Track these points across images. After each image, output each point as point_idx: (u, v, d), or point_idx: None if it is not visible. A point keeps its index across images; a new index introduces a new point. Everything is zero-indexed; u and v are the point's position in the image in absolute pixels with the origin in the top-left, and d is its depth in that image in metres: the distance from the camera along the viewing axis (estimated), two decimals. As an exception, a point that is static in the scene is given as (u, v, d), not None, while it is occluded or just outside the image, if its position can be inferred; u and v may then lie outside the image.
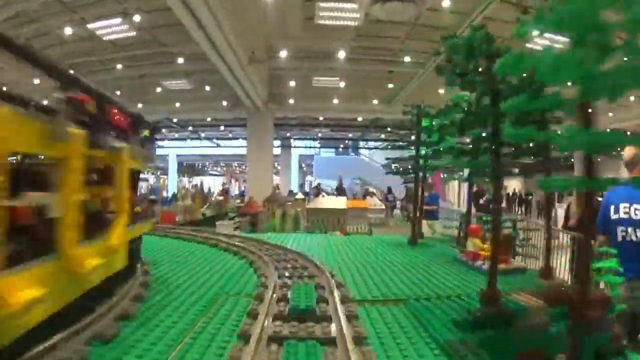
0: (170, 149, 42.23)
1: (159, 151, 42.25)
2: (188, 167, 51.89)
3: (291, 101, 22.90)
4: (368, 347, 1.97)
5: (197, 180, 47.30)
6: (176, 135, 36.42)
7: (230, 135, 34.34)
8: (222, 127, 30.89)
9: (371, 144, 40.09)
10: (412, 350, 2.09)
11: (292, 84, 20.46)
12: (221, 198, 19.42)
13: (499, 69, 1.78)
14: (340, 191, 23.20)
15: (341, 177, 27.67)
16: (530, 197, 31.53)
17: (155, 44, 15.72)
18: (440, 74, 2.92)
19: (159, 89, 21.52)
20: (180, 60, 16.63)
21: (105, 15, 13.26)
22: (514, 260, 4.83)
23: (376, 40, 15.36)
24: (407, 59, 16.09)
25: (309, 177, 45.80)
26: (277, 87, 21.18)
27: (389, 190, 22.55)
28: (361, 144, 40.26)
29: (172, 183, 40.77)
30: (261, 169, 22.84)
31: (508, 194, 31.74)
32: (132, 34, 14.37)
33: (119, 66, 17.61)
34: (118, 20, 13.39)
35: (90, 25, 13.82)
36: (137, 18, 12.71)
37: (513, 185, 33.23)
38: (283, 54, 15.83)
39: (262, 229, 9.97)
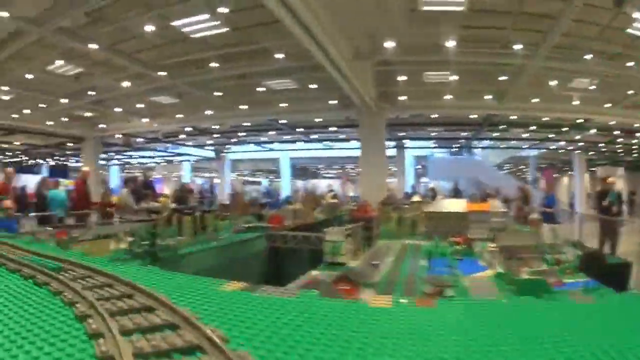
0: (282, 152, 42.90)
1: (269, 154, 43.41)
2: (301, 170, 52.93)
3: (402, 99, 22.45)
4: None
5: (310, 183, 48.15)
6: (287, 138, 36.82)
7: (342, 136, 34.11)
8: (333, 128, 30.63)
9: (484, 142, 38.86)
10: None
11: (402, 80, 19.89)
12: (334, 201, 19.63)
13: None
14: (456, 193, 22.67)
15: (457, 178, 26.94)
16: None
17: (249, 41, 15.62)
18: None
19: (261, 89, 21.45)
20: (279, 56, 16.36)
21: (191, 11, 13.19)
22: None
23: (483, 31, 14.63)
24: (516, 47, 15.08)
25: (423, 179, 44.83)
26: (386, 84, 20.72)
27: (498, 191, 21.62)
28: (473, 143, 38.94)
29: (285, 186, 41.43)
30: (374, 170, 22.65)
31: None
32: (223, 30, 14.24)
33: (213, 65, 17.56)
34: (205, 16, 13.32)
35: (175, 23, 13.82)
36: (224, 10, 12.52)
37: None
38: (389, 48, 15.35)
39: (377, 235, 9.75)
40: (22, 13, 12.76)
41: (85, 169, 17.01)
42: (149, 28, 13.81)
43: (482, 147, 40.65)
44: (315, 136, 35.64)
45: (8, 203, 10.62)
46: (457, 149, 40.28)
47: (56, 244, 7.58)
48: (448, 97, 21.80)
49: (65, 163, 47.22)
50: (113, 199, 16.16)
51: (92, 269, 3.42)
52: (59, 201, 15.75)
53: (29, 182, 21.98)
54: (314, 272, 6.21)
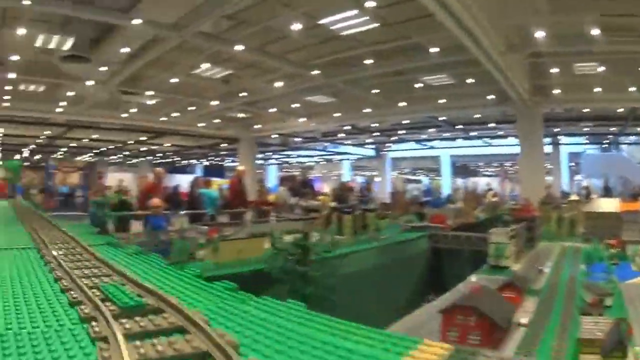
0: (442, 150, 42.08)
1: (429, 152, 42.96)
2: (461, 168, 51.60)
3: (556, 92, 20.88)
4: None
5: (470, 181, 46.73)
6: (446, 135, 35.99)
7: (500, 133, 32.72)
8: (491, 125, 29.45)
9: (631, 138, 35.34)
10: None
11: (554, 73, 18.50)
12: (495, 200, 18.73)
13: None
14: (607, 191, 20.86)
15: (607, 176, 24.81)
16: None
17: (401, 36, 15.19)
18: None
19: (418, 85, 20.95)
20: (434, 50, 15.86)
21: (337, 8, 12.97)
22: None
23: (624, 19, 13.06)
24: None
25: (576, 177, 42.22)
26: (538, 77, 19.45)
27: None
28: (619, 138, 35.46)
29: (446, 185, 40.63)
30: (533, 168, 21.44)
31: None
32: (373, 26, 13.88)
33: (368, 62, 17.34)
34: (353, 12, 13.02)
35: (322, 21, 13.69)
36: (371, 4, 12.15)
37: None
38: (539, 39, 14.32)
39: (539, 236, 9.11)
40: (158, 19, 13.50)
41: (241, 168, 17.60)
42: (296, 27, 13.90)
43: (629, 143, 37.37)
44: (475, 133, 34.56)
45: (156, 201, 11.15)
46: (606, 145, 37.19)
47: (206, 241, 8.08)
48: (597, 89, 20.07)
49: (220, 163, 49.64)
50: (270, 197, 16.38)
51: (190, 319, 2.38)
52: (211, 200, 16.32)
53: (183, 181, 23.46)
54: (475, 277, 6.08)
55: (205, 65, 18.00)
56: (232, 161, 45.26)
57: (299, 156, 48.54)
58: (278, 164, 52.57)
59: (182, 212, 14.01)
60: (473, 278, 5.99)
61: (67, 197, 37.80)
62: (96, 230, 8.97)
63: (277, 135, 33.14)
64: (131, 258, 5.46)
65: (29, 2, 11.79)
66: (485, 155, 44.80)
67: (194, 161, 50.71)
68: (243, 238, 8.88)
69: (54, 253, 4.59)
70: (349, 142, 39.69)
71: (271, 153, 44.92)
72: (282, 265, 5.83)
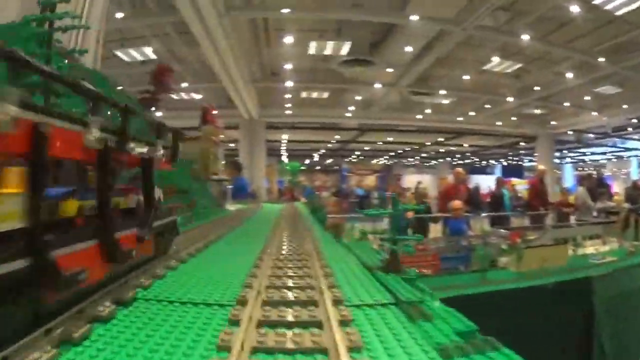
0: None
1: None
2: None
3: None
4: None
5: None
6: None
7: None
8: None
9: None
10: None
11: None
12: None
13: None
14: None
15: None
16: None
17: None
18: None
19: None
20: None
21: None
22: None
23: None
24: None
25: None
26: None
27: None
28: None
29: None
30: None
31: None
32: None
33: None
34: None
35: (595, 1, 12.28)
36: None
37: None
38: None
39: None
40: (436, 14, 13.17)
41: (542, 167, 16.28)
42: (572, 12, 12.91)
43: None
44: None
45: (457, 203, 10.59)
46: None
47: (508, 247, 7.27)
48: None
49: (519, 162, 47.92)
50: (570, 198, 15.29)
51: None
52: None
53: (481, 182, 22.46)
54: None
55: (495, 59, 17.27)
56: (530, 160, 43.78)
57: (592, 154, 44.85)
58: (573, 162, 49.35)
59: (484, 215, 13.48)
60: None
61: (362, 200, 39.75)
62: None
63: (571, 132, 31.00)
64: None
65: (288, 10, 12.28)
66: None
67: (492, 162, 49.86)
68: (548, 245, 7.95)
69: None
70: (637, 136, 34.77)
71: (566, 151, 42.14)
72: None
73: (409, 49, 15.82)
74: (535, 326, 5.77)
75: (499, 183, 15.51)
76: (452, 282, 6.01)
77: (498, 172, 44.02)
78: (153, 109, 4.75)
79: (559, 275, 6.37)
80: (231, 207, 8.40)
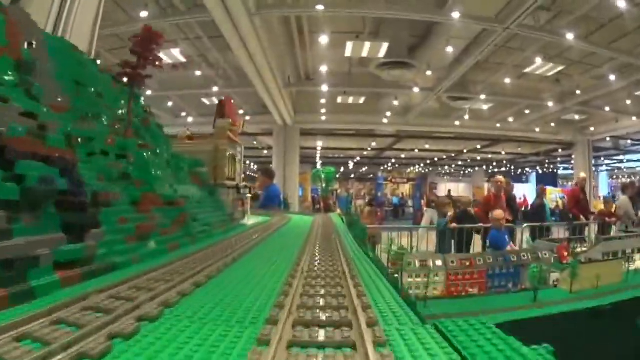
0: None
1: None
2: None
3: None
4: None
5: None
6: None
7: None
8: None
9: None
10: None
11: None
12: None
13: None
14: None
15: None
16: None
17: None
18: None
19: None
20: None
21: None
22: None
23: None
24: None
25: None
26: None
27: None
28: None
29: None
30: None
31: None
32: None
33: None
34: None
35: None
36: None
37: None
38: None
39: None
40: (478, 13, 12.75)
41: (582, 175, 15.36)
42: (618, 9, 12.23)
43: None
44: None
45: (499, 213, 10.00)
46: None
47: (556, 260, 6.77)
48: None
49: (554, 170, 47.10)
50: (612, 207, 14.55)
51: None
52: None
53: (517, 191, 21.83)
54: None
55: (537, 61, 16.55)
56: (564, 169, 43.68)
57: (628, 161, 43.47)
58: (608, 170, 49.15)
59: (525, 225, 12.76)
60: None
61: (397, 208, 39.20)
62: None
63: (609, 138, 30.35)
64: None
65: (321, 7, 11.67)
66: None
67: (527, 169, 49.15)
68: (602, 260, 7.07)
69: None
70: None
71: (603, 158, 41.42)
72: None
73: (449, 49, 15.05)
74: (593, 354, 4.94)
75: (541, 192, 14.68)
76: (502, 304, 5.30)
77: (532, 180, 43.35)
78: (137, 88, 3.63)
79: (617, 294, 5.71)
80: (251, 219, 6.58)
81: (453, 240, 11.50)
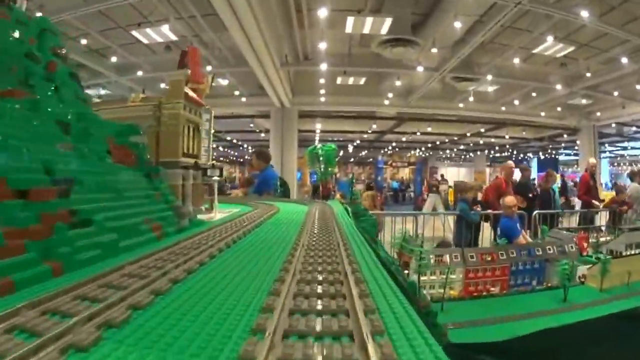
0: None
1: None
2: None
3: None
4: None
5: None
6: None
7: None
8: None
9: None
10: None
11: None
12: None
13: None
14: None
15: None
16: None
17: None
18: None
19: None
20: None
21: None
22: None
23: None
24: None
25: None
26: None
27: None
28: None
29: None
30: None
31: None
32: None
33: None
34: None
35: None
36: None
37: None
38: None
39: None
40: None
41: (592, 160, 14.79)
42: None
43: None
44: None
45: (510, 200, 9.50)
46: None
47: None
48: None
49: (555, 157, 46.84)
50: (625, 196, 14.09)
51: None
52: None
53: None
54: None
55: (549, 39, 15.66)
56: (565, 155, 43.88)
57: (632, 148, 43.30)
58: (611, 157, 49.07)
59: (535, 212, 11.89)
60: None
61: (397, 193, 38.74)
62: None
63: (614, 125, 30.11)
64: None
65: None
66: None
67: (529, 155, 48.99)
68: (633, 254, 6.47)
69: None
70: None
71: (606, 145, 41.26)
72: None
73: (457, 24, 14.24)
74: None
75: (549, 177, 13.97)
76: (526, 306, 4.71)
77: (534, 165, 43.16)
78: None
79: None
80: (220, 213, 4.64)
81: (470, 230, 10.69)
